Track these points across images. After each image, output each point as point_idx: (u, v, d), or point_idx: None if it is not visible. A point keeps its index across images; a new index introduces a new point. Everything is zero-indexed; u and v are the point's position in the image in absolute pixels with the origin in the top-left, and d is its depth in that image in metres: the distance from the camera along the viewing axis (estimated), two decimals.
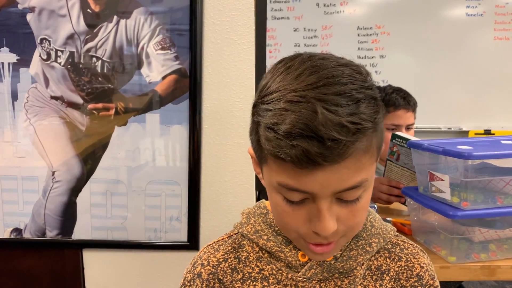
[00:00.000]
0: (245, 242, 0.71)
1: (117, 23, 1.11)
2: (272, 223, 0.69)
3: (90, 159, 1.17)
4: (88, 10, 1.11)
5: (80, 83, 1.14)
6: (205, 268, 0.70)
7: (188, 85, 1.13)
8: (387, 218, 1.37)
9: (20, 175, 1.18)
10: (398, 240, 0.73)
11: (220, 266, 0.70)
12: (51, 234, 1.20)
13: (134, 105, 1.14)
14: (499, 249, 1.19)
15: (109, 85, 1.14)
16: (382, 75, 3.30)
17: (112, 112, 1.15)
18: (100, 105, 1.14)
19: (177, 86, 1.13)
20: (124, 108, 1.15)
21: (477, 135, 3.30)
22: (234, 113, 1.15)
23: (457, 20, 3.25)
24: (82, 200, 1.19)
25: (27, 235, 1.21)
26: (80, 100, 1.15)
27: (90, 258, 1.22)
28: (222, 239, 0.74)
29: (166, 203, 1.18)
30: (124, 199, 1.19)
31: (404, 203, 1.56)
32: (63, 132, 1.16)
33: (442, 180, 1.17)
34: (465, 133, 3.34)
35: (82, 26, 1.11)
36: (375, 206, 1.49)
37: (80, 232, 1.20)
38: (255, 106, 0.59)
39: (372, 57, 3.30)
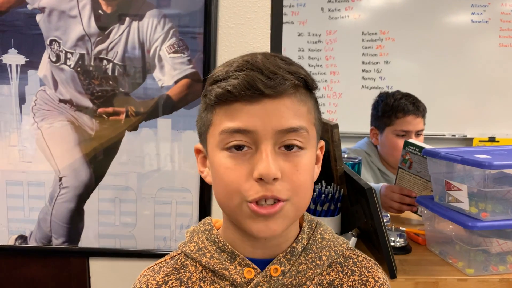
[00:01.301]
0: (188, 262, 0.67)
1: (129, 25, 1.08)
2: (216, 239, 0.66)
3: (98, 164, 1.14)
4: (100, 11, 1.08)
5: (90, 86, 1.11)
6: None
7: (201, 89, 1.10)
8: (400, 228, 1.34)
9: (26, 180, 1.15)
10: (351, 253, 0.70)
11: None
12: (57, 241, 1.17)
13: (145, 110, 1.11)
14: None
15: (120, 88, 1.11)
16: (387, 81, 3.27)
17: (123, 116, 1.11)
18: (110, 109, 1.11)
19: (190, 91, 1.10)
20: (135, 113, 1.11)
21: (482, 142, 3.28)
22: None
23: (462, 26, 3.23)
24: (89, 207, 1.15)
25: (32, 243, 1.17)
26: (89, 104, 1.11)
27: (96, 267, 1.19)
28: (164, 260, 0.71)
29: (176, 210, 1.15)
30: (133, 206, 1.15)
31: (416, 212, 1.54)
32: (71, 136, 1.13)
33: (460, 189, 1.14)
34: (469, 140, 3.32)
35: (93, 27, 1.08)
36: (388, 215, 1.46)
37: (87, 240, 1.17)
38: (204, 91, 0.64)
39: (377, 63, 3.27)
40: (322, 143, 0.67)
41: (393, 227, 1.33)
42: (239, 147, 0.58)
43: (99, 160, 1.13)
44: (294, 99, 0.59)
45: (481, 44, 3.25)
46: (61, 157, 1.13)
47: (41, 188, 1.15)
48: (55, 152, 1.13)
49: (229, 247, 0.65)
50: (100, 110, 1.11)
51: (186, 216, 1.15)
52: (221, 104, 0.59)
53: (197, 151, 0.67)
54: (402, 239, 1.27)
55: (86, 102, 1.11)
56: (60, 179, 1.14)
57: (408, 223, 1.54)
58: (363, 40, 3.27)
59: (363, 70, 3.29)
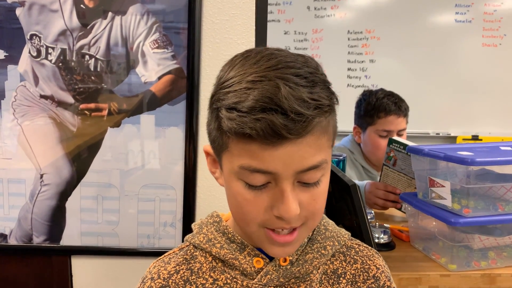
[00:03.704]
0: (197, 253, 0.69)
1: (112, 20, 1.07)
2: (225, 231, 0.68)
3: (80, 161, 1.12)
4: (82, 5, 1.06)
5: (71, 82, 1.09)
6: (155, 282, 0.67)
7: (185, 85, 1.09)
8: (384, 225, 1.34)
9: (6, 177, 1.13)
10: (352, 243, 0.74)
11: (172, 278, 0.67)
12: (38, 240, 1.14)
13: (128, 106, 1.10)
14: (499, 257, 1.18)
15: (102, 84, 1.09)
16: (372, 80, 3.29)
17: (105, 112, 1.10)
18: (92, 105, 1.09)
19: (173, 87, 1.09)
20: (118, 109, 1.10)
21: (465, 140, 3.32)
22: None
23: (446, 26, 3.26)
24: (71, 204, 1.13)
25: (12, 241, 1.15)
26: (71, 100, 1.09)
27: (79, 265, 1.17)
28: (173, 251, 0.72)
29: (160, 208, 1.14)
30: (116, 204, 1.14)
31: (400, 209, 1.55)
32: (52, 132, 1.11)
33: (443, 186, 1.15)
34: (453, 139, 3.36)
35: (74, 22, 1.07)
36: (372, 212, 1.47)
37: (68, 238, 1.15)
38: (213, 96, 0.60)
39: (362, 62, 3.29)
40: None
41: (377, 223, 1.34)
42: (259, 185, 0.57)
43: (81, 157, 1.12)
44: (316, 133, 0.55)
45: (464, 44, 3.29)
46: (42, 154, 1.11)
47: (22, 186, 1.13)
48: (36, 149, 1.11)
49: (239, 238, 0.66)
50: (82, 106, 1.09)
51: (170, 214, 1.14)
52: (239, 138, 0.55)
53: (207, 153, 0.66)
54: (386, 236, 1.28)
55: (68, 98, 1.09)
56: (41, 176, 1.12)
57: (392, 220, 1.55)
58: (348, 39, 3.28)
59: (349, 69, 3.30)
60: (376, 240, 1.26)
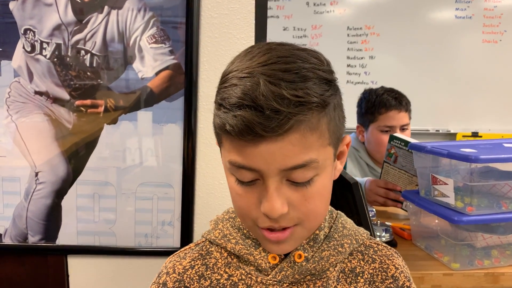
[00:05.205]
0: (213, 249, 0.69)
1: (108, 14, 1.04)
2: (240, 227, 0.68)
3: (76, 159, 1.10)
4: None
5: (67, 78, 1.06)
6: (170, 276, 0.68)
7: (184, 81, 1.06)
8: (386, 223, 1.33)
9: (0, 176, 1.10)
10: (371, 242, 0.72)
11: (187, 273, 0.67)
12: (33, 239, 1.12)
13: (124, 102, 1.07)
14: (502, 255, 1.16)
15: (98, 80, 1.07)
16: (371, 76, 3.27)
17: (101, 109, 1.07)
18: (88, 101, 1.07)
19: (171, 83, 1.07)
20: (114, 106, 1.08)
21: (465, 137, 3.31)
22: None
23: (446, 22, 3.24)
24: (67, 203, 1.11)
25: (7, 240, 1.13)
26: (66, 96, 1.07)
27: (75, 265, 1.15)
28: (189, 247, 0.72)
29: (158, 206, 1.12)
30: (113, 202, 1.12)
31: (401, 208, 1.53)
32: (47, 130, 1.08)
33: (446, 184, 1.13)
34: (453, 135, 3.34)
35: (70, 16, 1.04)
36: (373, 210, 1.45)
37: (65, 237, 1.13)
38: (217, 90, 0.60)
39: (362, 58, 3.26)
40: (348, 139, 0.65)
41: (378, 221, 1.32)
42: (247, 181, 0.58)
43: (77, 155, 1.09)
44: (302, 131, 0.53)
45: (464, 40, 3.27)
46: (37, 151, 1.09)
47: (16, 184, 1.10)
48: (31, 146, 1.09)
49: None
50: (77, 102, 1.07)
51: (168, 212, 1.12)
52: (226, 134, 0.56)
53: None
54: (388, 234, 1.26)
55: (63, 94, 1.07)
56: (37, 174, 1.10)
57: (394, 217, 1.54)
58: (348, 35, 3.26)
59: (348, 65, 3.28)
60: (378, 239, 1.24)
